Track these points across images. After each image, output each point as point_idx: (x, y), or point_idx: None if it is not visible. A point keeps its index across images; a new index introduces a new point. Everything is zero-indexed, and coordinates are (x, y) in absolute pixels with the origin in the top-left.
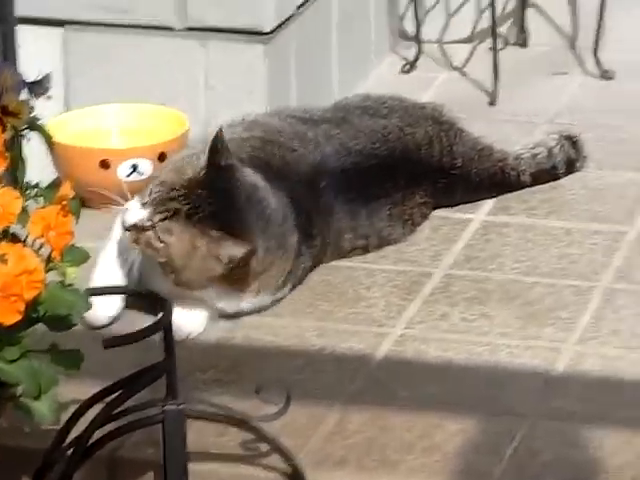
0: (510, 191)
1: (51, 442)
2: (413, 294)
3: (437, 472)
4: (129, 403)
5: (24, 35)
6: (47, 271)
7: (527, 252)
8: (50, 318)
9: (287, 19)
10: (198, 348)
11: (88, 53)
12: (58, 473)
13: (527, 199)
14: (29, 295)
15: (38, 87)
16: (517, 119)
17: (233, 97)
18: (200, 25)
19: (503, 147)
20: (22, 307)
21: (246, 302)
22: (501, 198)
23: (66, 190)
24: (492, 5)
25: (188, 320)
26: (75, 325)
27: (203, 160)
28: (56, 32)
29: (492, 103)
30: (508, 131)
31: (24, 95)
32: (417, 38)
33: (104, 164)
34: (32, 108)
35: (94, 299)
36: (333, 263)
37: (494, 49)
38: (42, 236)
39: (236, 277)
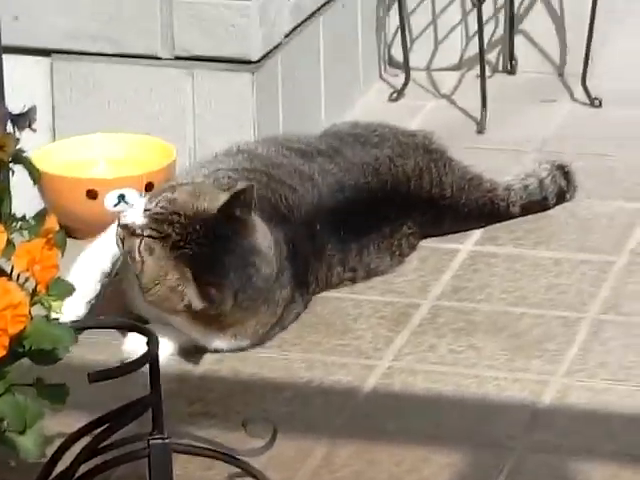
0: (499, 221)
1: (36, 476)
2: (401, 325)
3: None
4: (115, 437)
5: (10, 64)
6: (32, 305)
7: (515, 283)
8: (35, 352)
9: (274, 47)
10: (185, 380)
11: (75, 82)
12: None
13: (515, 229)
14: (14, 329)
15: (23, 120)
16: (505, 147)
17: (221, 126)
18: (187, 54)
19: (492, 176)
20: (6, 342)
21: (221, 342)
22: (489, 228)
23: (52, 223)
24: (480, 32)
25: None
26: (61, 359)
27: (221, 202)
28: (43, 61)
29: (480, 131)
30: (496, 159)
31: (9, 128)
32: (405, 65)
33: (91, 194)
34: (17, 140)
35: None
36: (321, 294)
37: (482, 77)
38: (27, 270)
39: (207, 318)
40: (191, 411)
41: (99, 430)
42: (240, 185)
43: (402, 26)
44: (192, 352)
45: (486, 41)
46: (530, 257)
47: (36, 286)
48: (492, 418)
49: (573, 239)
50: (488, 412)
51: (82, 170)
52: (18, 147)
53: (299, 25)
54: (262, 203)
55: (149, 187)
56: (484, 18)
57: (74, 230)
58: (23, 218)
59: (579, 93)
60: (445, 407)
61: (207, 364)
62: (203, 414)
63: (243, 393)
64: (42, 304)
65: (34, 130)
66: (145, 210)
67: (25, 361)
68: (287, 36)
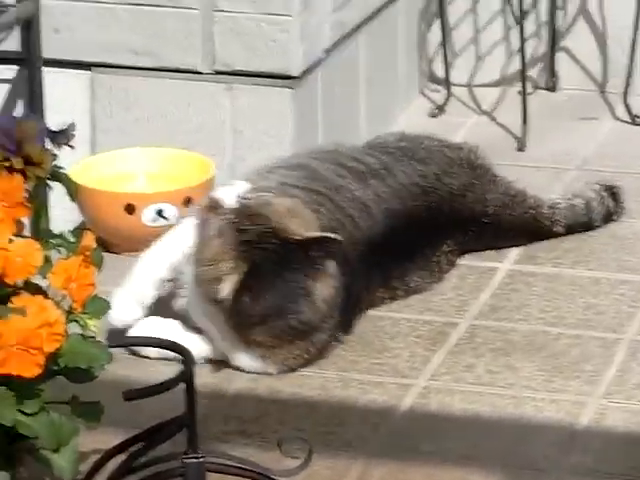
0: (542, 239)
1: None
2: (438, 345)
3: None
4: (150, 455)
5: (51, 77)
6: (68, 322)
7: (553, 302)
8: (71, 370)
9: (315, 63)
10: (221, 398)
11: (115, 96)
12: None
13: (554, 248)
14: (49, 348)
15: (61, 136)
16: (546, 165)
17: (260, 141)
18: (227, 69)
19: (536, 194)
20: (42, 360)
21: (248, 360)
22: (528, 247)
23: (89, 241)
24: (522, 49)
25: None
26: (96, 377)
27: (307, 234)
28: (83, 75)
29: (521, 149)
30: (537, 177)
31: (47, 144)
32: (446, 81)
33: (129, 209)
34: (55, 157)
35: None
36: None
37: (523, 93)
38: (64, 288)
39: (238, 327)
40: (226, 430)
41: (134, 448)
42: (334, 235)
43: (443, 42)
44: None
45: (528, 58)
46: (569, 276)
47: (72, 304)
48: (529, 439)
49: (613, 259)
50: (525, 433)
51: (121, 184)
52: (55, 163)
53: (340, 40)
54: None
55: (187, 202)
56: (526, 35)
57: (112, 244)
58: (60, 235)
59: (621, 111)
60: (482, 428)
61: (243, 382)
62: (238, 433)
63: (279, 412)
64: (78, 322)
65: (72, 147)
66: (240, 196)
67: (60, 378)
68: (328, 51)
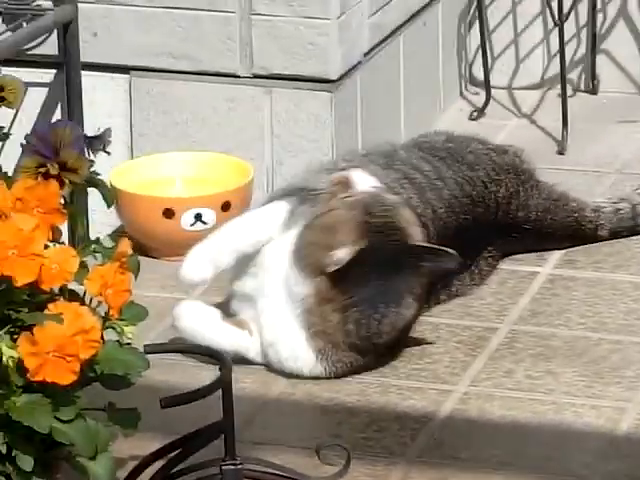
0: (585, 243)
1: None
2: (478, 350)
3: None
4: (188, 462)
5: (89, 81)
6: (104, 329)
7: (594, 307)
8: (107, 377)
9: (354, 66)
10: (259, 404)
11: (153, 100)
12: None
13: (594, 252)
14: (85, 355)
15: (97, 142)
16: (586, 168)
17: (298, 145)
18: (266, 72)
19: (579, 197)
20: (77, 367)
21: (302, 352)
22: (568, 251)
23: (125, 247)
24: (561, 51)
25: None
26: (133, 384)
27: (430, 245)
28: (122, 78)
29: (561, 152)
30: (577, 180)
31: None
32: (486, 84)
33: (168, 213)
34: (92, 163)
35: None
36: None
37: (563, 96)
38: (99, 294)
39: (317, 307)
40: (264, 436)
41: (171, 455)
42: (453, 252)
43: (483, 44)
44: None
45: (568, 60)
46: (609, 281)
47: (108, 310)
48: (568, 446)
49: None
50: (565, 440)
51: (159, 189)
52: (92, 169)
53: (379, 44)
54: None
55: (226, 206)
56: (566, 37)
57: (151, 249)
58: (97, 241)
59: None
60: (521, 434)
61: (281, 387)
62: (276, 439)
63: (317, 418)
64: (114, 329)
65: (108, 153)
66: (373, 186)
67: (97, 385)
68: (367, 55)
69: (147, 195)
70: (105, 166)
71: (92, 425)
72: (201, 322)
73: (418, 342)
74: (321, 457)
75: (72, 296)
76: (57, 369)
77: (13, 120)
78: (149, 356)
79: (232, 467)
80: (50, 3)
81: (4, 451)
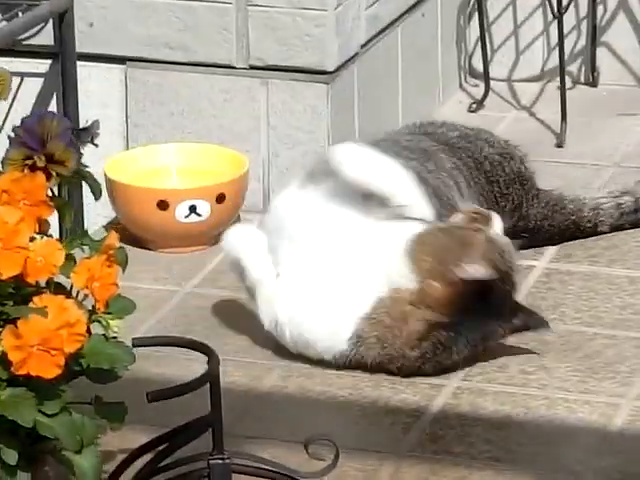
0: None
1: None
2: None
3: None
4: (176, 455)
5: (85, 72)
6: (91, 322)
7: (589, 302)
8: (93, 371)
9: (350, 58)
10: (252, 397)
11: (149, 91)
12: None
13: (591, 246)
14: (70, 348)
15: (85, 134)
16: (585, 162)
17: (295, 137)
18: (262, 64)
19: (577, 194)
20: (62, 361)
21: (366, 343)
22: (565, 245)
23: (112, 240)
24: (560, 44)
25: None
26: (120, 378)
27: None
28: (118, 69)
29: (560, 145)
30: (575, 174)
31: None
32: (485, 76)
33: (162, 205)
34: (80, 155)
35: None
36: None
37: (562, 89)
38: (86, 287)
39: (400, 307)
40: (255, 429)
41: (159, 449)
42: (543, 317)
43: (482, 36)
44: (258, 368)
45: (568, 52)
46: (605, 275)
47: (95, 304)
48: (561, 441)
49: None
50: (557, 435)
51: (154, 180)
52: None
53: (376, 35)
54: None
55: (220, 198)
56: (566, 29)
57: (146, 241)
58: (85, 234)
59: None
60: (513, 429)
61: (274, 381)
62: (268, 433)
63: (309, 412)
64: (100, 322)
65: (96, 145)
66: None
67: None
68: (364, 46)
69: (141, 186)
70: (100, 157)
71: (77, 419)
72: (245, 245)
73: None
74: (310, 452)
75: (59, 289)
76: (41, 363)
77: (8, 113)
78: (141, 349)
79: (220, 461)
80: None
81: None
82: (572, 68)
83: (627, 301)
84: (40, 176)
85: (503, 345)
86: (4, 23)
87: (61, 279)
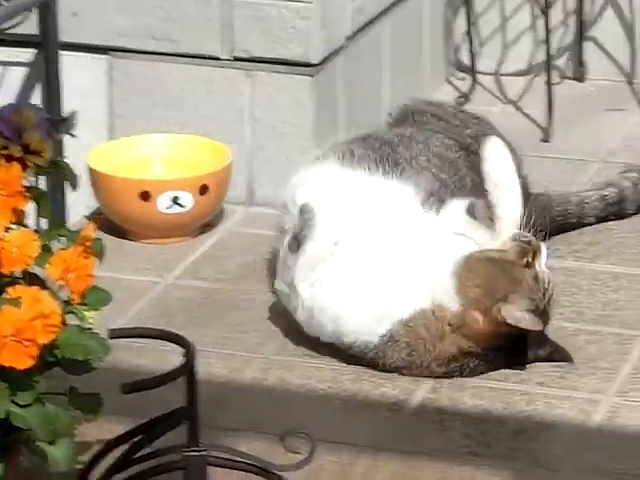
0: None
1: None
2: None
3: None
4: (153, 447)
5: (69, 62)
6: (66, 314)
7: (572, 297)
8: (67, 362)
9: (335, 50)
10: (231, 389)
11: (133, 81)
12: None
13: (574, 242)
14: (44, 339)
15: (63, 125)
16: (571, 157)
17: (278, 129)
18: (247, 55)
19: (559, 187)
20: (35, 352)
21: (392, 343)
22: (548, 240)
23: (89, 231)
24: (547, 38)
25: None
26: (94, 369)
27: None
28: (101, 59)
29: (545, 140)
30: (561, 168)
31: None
32: (472, 69)
33: (144, 195)
34: (58, 146)
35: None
36: None
37: (549, 84)
38: (61, 278)
39: (439, 328)
40: (233, 422)
41: (133, 441)
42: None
43: (469, 29)
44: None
45: (555, 47)
46: (589, 271)
47: (70, 295)
48: (540, 437)
49: (634, 253)
50: (536, 430)
51: (137, 171)
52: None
53: (362, 28)
54: None
55: (203, 190)
56: (554, 24)
57: (128, 231)
58: (62, 224)
59: None
60: (492, 424)
61: (254, 373)
62: (245, 425)
63: (288, 404)
64: (75, 314)
65: (73, 136)
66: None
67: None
68: (349, 39)
69: (123, 177)
70: (84, 147)
71: (51, 410)
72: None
73: None
74: (287, 445)
75: (34, 280)
76: (15, 353)
77: None
78: (120, 340)
79: (195, 454)
80: None
81: None
82: (560, 63)
83: (610, 297)
84: (16, 166)
85: None
86: None
87: (39, 270)
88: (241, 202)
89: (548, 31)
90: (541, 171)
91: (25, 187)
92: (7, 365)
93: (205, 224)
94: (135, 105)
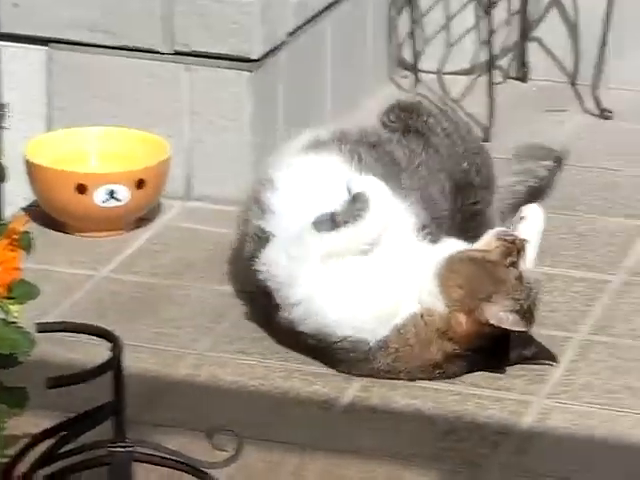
0: None
1: None
2: None
3: None
4: (79, 442)
5: (8, 52)
6: None
7: None
8: None
9: (277, 46)
10: (162, 385)
11: (72, 73)
12: None
13: None
14: None
15: None
16: (509, 156)
17: (218, 124)
18: (187, 49)
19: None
20: None
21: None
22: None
23: (17, 224)
24: (489, 38)
25: None
26: (21, 363)
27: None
28: (41, 50)
29: (486, 139)
30: (499, 168)
31: None
32: (415, 68)
33: (80, 188)
34: None
35: None
36: None
37: (490, 83)
38: None
39: (434, 327)
40: (163, 417)
41: (58, 436)
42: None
43: (413, 28)
44: (172, 355)
45: (499, 47)
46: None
47: None
48: (469, 437)
49: (570, 255)
50: (466, 431)
51: (74, 163)
52: None
53: (304, 24)
54: None
55: (140, 184)
56: (498, 23)
57: (64, 224)
58: None
59: (590, 103)
60: (423, 424)
61: (186, 369)
62: (175, 421)
63: (218, 401)
64: (0, 307)
65: (4, 127)
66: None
67: None
68: (291, 35)
69: (59, 170)
70: (22, 139)
71: None
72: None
73: None
74: (214, 442)
75: None
76: None
77: None
78: (53, 334)
79: (121, 449)
80: None
81: None
82: (503, 62)
83: (544, 298)
84: None
85: None
86: None
87: None
88: (179, 196)
89: (491, 31)
90: None
91: None
92: None
93: (141, 218)
94: (74, 97)
